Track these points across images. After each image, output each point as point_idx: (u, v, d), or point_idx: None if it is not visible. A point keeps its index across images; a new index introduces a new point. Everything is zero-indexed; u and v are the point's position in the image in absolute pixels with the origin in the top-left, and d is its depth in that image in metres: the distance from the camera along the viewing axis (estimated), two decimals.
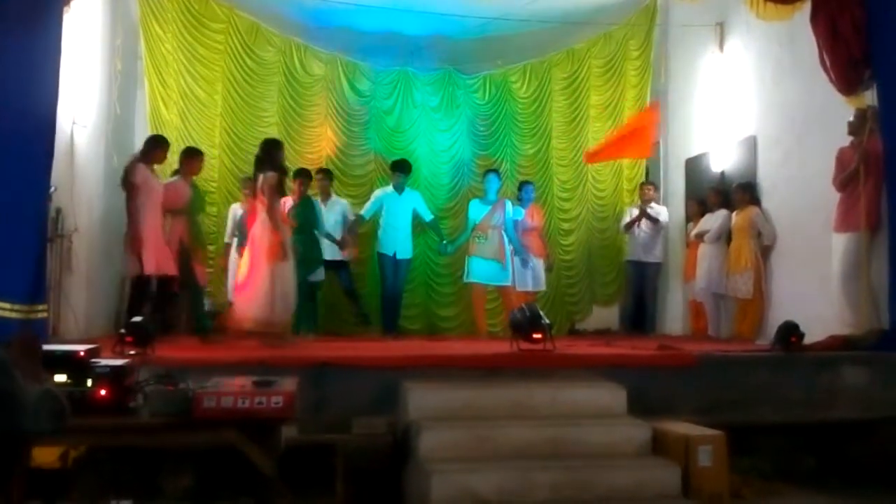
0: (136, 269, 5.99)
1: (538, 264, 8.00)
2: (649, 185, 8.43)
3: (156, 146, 6.31)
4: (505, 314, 7.59)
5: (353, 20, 8.14)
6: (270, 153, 6.08)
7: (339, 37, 8.46)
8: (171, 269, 6.13)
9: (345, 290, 7.73)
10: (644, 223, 8.15)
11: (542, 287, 8.07)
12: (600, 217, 9.00)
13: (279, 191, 5.99)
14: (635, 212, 8.22)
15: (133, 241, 5.95)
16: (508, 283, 7.67)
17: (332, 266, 7.52)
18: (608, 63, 9.04)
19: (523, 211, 7.96)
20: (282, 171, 6.07)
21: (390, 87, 8.90)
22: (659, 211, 8.27)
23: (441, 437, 4.21)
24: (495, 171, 8.09)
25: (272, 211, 5.88)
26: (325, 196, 7.75)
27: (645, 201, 8.23)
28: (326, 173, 7.92)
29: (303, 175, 7.46)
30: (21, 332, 3.68)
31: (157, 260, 5.99)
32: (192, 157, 6.63)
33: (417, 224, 7.91)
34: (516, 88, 9.15)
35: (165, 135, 7.73)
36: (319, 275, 7.50)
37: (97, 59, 7.09)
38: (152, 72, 7.86)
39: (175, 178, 6.63)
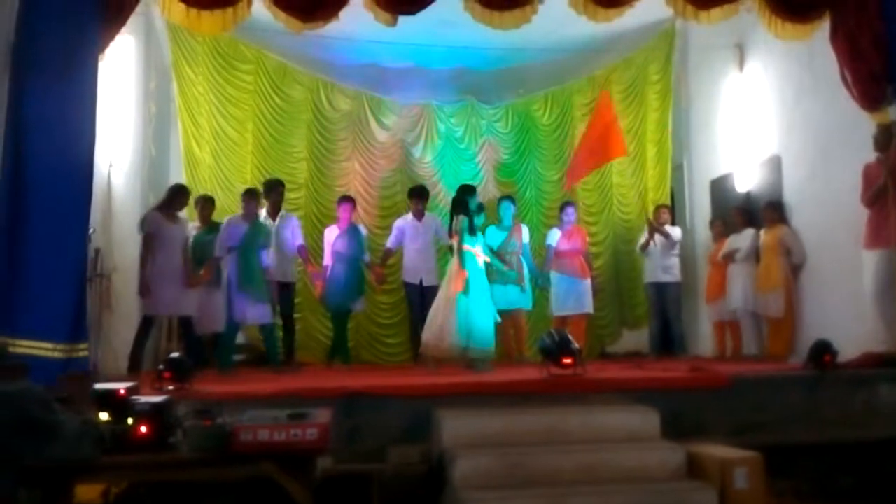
0: (146, 310, 6.39)
1: (582, 286, 7.83)
2: (664, 207, 8.40)
3: (173, 196, 6.64)
4: (515, 339, 7.61)
5: (377, 57, 8.33)
6: (463, 198, 6.69)
7: (364, 73, 8.66)
8: (187, 309, 6.50)
9: (283, 315, 7.30)
10: (658, 240, 8.10)
11: (586, 310, 7.87)
12: (627, 240, 8.99)
13: (471, 231, 6.54)
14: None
15: (140, 287, 6.33)
16: (526, 308, 7.66)
17: (279, 289, 7.17)
18: (629, 88, 9.10)
19: (559, 233, 7.90)
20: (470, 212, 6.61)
21: (415, 119, 9.05)
22: (671, 229, 8.23)
23: (475, 464, 4.22)
24: (510, 197, 8.08)
25: (460, 248, 6.46)
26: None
27: (661, 223, 8.20)
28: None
29: (346, 201, 7.65)
30: (74, 371, 3.88)
31: (169, 301, 6.37)
32: (248, 197, 6.88)
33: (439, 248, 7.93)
34: (538, 116, 9.26)
35: (199, 174, 8.01)
36: (359, 304, 7.60)
37: (132, 103, 7.34)
38: (185, 113, 8.08)
39: (232, 216, 6.93)
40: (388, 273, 7.96)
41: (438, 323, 6.33)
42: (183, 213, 6.89)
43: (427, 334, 6.39)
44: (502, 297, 7.46)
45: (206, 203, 7.25)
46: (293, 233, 7.28)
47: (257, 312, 6.62)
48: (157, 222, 6.40)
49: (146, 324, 6.36)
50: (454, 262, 6.54)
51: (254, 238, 6.67)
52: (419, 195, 7.79)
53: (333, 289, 7.40)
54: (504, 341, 7.79)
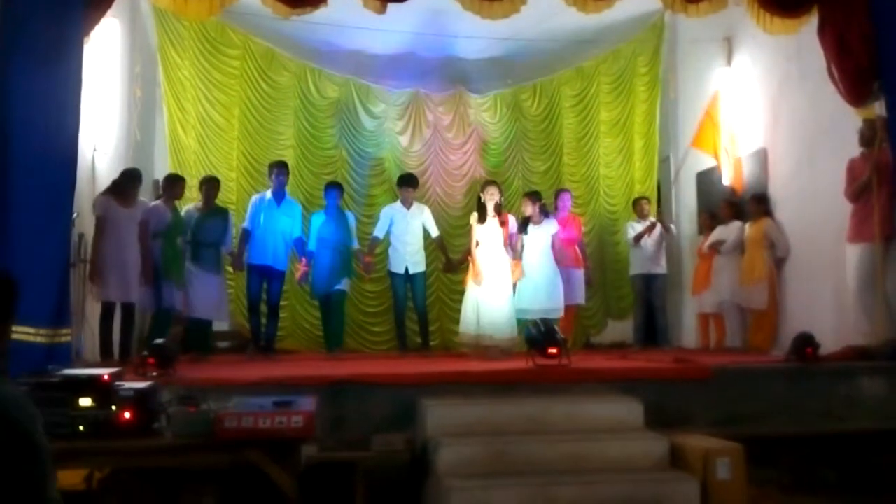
0: (99, 296, 6.15)
1: (576, 276, 7.73)
2: (645, 199, 8.40)
3: (123, 179, 6.36)
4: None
5: (365, 44, 8.29)
6: (480, 197, 7.06)
7: (352, 60, 8.62)
8: (131, 296, 6.24)
9: (270, 304, 7.18)
10: (655, 233, 8.10)
11: (577, 300, 7.83)
12: (612, 231, 9.04)
13: (481, 221, 6.93)
14: (637, 226, 8.16)
15: (90, 271, 6.10)
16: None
17: (267, 274, 7.10)
18: (617, 80, 9.13)
19: (554, 221, 7.68)
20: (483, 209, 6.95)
21: (403, 108, 9.03)
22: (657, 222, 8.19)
23: (459, 453, 4.24)
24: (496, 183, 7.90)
25: (472, 245, 6.93)
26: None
27: (642, 216, 8.18)
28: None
29: (334, 187, 7.50)
30: None
31: (117, 288, 6.11)
32: (171, 182, 6.77)
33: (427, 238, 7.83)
34: (527, 107, 9.26)
35: (184, 159, 7.94)
36: (343, 284, 7.35)
37: (117, 87, 7.25)
38: (171, 98, 8.02)
39: (157, 202, 6.75)
40: (377, 262, 7.90)
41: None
42: (145, 197, 6.70)
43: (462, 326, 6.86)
44: None
45: (211, 185, 7.03)
46: (293, 222, 7.18)
47: (178, 300, 6.57)
48: (106, 206, 6.13)
49: (106, 310, 6.15)
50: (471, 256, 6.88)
51: (176, 225, 6.58)
52: (408, 183, 7.68)
53: (319, 276, 7.30)
54: None
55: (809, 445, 4.99)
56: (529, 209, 7.28)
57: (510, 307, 6.75)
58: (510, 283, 6.90)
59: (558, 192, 8.10)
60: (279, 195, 7.18)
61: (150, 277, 6.36)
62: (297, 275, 7.45)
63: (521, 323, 6.72)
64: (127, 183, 6.34)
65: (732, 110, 8.03)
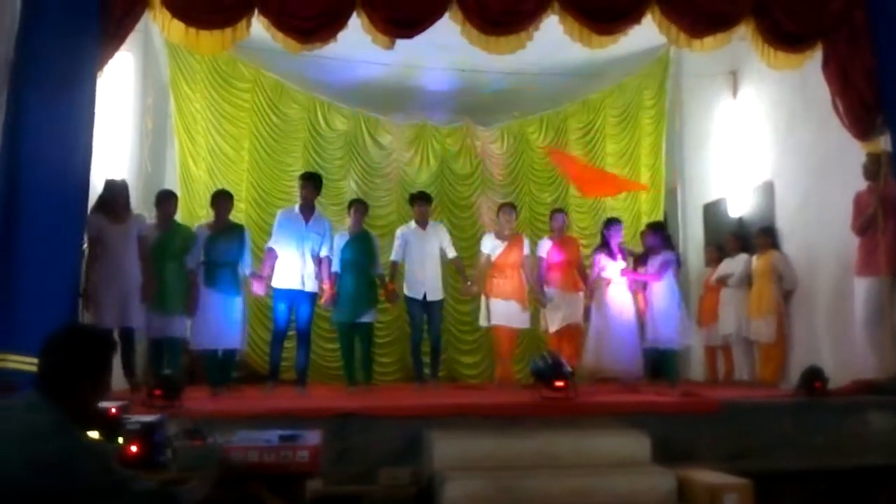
0: (94, 321, 5.55)
1: (573, 300, 7.29)
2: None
3: (107, 193, 5.90)
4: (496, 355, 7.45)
5: (374, 77, 8.40)
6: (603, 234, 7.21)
7: (360, 93, 8.73)
8: (130, 320, 5.78)
9: (300, 331, 6.66)
10: None
11: (581, 320, 7.36)
12: None
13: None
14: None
15: (83, 297, 5.49)
16: (527, 326, 7.38)
17: (297, 297, 6.55)
18: (623, 112, 9.21)
19: (550, 243, 7.33)
20: None
21: (410, 139, 9.13)
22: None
23: (465, 487, 4.22)
24: (510, 204, 7.65)
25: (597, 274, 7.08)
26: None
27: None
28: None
29: (358, 205, 7.06)
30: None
31: (113, 313, 5.67)
32: (161, 199, 6.42)
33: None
34: (534, 139, 9.35)
35: (194, 190, 8.00)
36: (369, 316, 6.90)
37: (129, 119, 7.36)
38: (181, 130, 8.12)
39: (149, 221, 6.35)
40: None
41: None
42: (140, 211, 6.35)
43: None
44: (502, 313, 7.14)
45: (223, 200, 6.49)
46: (323, 240, 6.59)
47: (161, 325, 6.05)
48: (98, 225, 5.66)
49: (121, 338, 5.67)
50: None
51: (164, 246, 6.10)
52: (421, 199, 7.20)
53: (341, 300, 6.76)
54: (498, 360, 7.58)
55: (817, 481, 4.94)
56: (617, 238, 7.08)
57: (635, 341, 6.63)
58: (634, 315, 6.83)
59: (553, 213, 7.64)
60: (308, 210, 6.63)
61: (149, 296, 5.87)
62: (323, 298, 6.71)
63: (648, 355, 6.92)
64: (112, 196, 5.87)
65: (737, 143, 8.08)
